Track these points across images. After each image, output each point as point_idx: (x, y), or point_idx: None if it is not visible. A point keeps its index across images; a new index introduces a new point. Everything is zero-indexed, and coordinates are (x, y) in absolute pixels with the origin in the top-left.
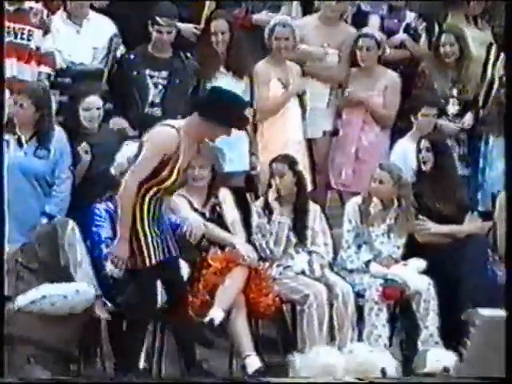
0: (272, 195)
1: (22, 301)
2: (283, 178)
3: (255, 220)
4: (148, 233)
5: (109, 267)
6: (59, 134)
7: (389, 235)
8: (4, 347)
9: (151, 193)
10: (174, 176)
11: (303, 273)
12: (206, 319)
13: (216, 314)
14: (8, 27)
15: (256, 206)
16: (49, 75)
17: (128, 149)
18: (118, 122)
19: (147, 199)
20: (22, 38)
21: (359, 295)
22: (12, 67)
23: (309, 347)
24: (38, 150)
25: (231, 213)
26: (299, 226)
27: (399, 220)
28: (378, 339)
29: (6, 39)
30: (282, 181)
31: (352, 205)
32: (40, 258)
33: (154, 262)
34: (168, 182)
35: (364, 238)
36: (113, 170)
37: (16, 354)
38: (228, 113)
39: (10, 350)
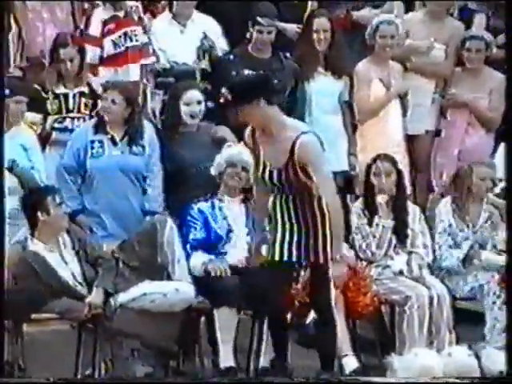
0: (380, 196)
1: (123, 298)
2: (389, 177)
3: (354, 221)
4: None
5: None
6: (149, 129)
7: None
8: (4, 347)
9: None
10: None
11: (401, 273)
12: (308, 320)
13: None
14: (120, 36)
15: (355, 207)
16: (151, 68)
17: (230, 149)
18: (222, 130)
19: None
20: (136, 40)
21: (459, 298)
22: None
23: (408, 349)
24: (132, 147)
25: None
26: (399, 227)
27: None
28: (501, 333)
29: (128, 44)
30: (388, 180)
31: (444, 204)
32: (139, 255)
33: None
34: None
35: (462, 235)
36: (212, 171)
37: (121, 347)
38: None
39: (115, 344)
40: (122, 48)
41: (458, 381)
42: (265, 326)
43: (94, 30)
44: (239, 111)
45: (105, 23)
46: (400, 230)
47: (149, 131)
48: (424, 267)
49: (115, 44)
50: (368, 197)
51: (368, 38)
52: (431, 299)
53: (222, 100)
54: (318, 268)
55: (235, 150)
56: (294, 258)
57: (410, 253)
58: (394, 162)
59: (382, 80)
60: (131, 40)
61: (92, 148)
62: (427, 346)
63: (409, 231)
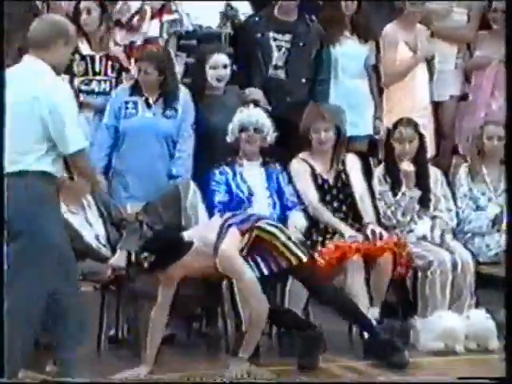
0: (405, 163)
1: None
2: (412, 143)
3: (376, 186)
4: None
5: None
6: (184, 94)
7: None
8: (4, 347)
9: None
10: None
11: (424, 238)
12: None
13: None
14: None
15: (378, 173)
16: (172, 22)
17: (239, 114)
18: (255, 93)
19: None
20: None
21: (482, 263)
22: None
23: (430, 313)
24: (166, 111)
25: (360, 186)
26: (422, 192)
27: None
28: None
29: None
30: (411, 146)
31: (463, 168)
32: (163, 218)
33: None
34: None
35: (484, 198)
36: (228, 138)
37: (143, 309)
38: None
39: (138, 306)
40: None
41: (458, 381)
42: (287, 288)
43: None
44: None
45: None
46: (423, 195)
47: (184, 96)
48: (448, 232)
49: None
50: (389, 163)
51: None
52: (454, 264)
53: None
54: None
55: (245, 114)
56: None
57: (433, 217)
58: (416, 127)
59: (409, 43)
60: None
61: (126, 108)
62: (448, 309)
63: (431, 196)
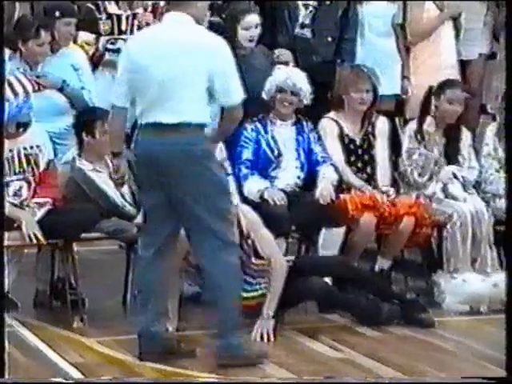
0: (432, 121)
1: None
2: (460, 105)
3: (405, 144)
4: None
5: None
6: None
7: None
8: (4, 347)
9: None
10: None
11: (433, 196)
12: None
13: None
14: None
15: (409, 130)
16: None
17: (278, 73)
18: (286, 54)
19: None
20: None
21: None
22: None
23: (453, 267)
24: None
25: (383, 151)
26: (451, 152)
27: None
28: None
29: None
30: (454, 109)
31: (491, 128)
32: None
33: None
34: None
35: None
36: (264, 95)
37: None
38: None
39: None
40: None
41: (458, 381)
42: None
43: None
44: None
45: None
46: (452, 155)
47: None
48: (468, 189)
49: None
50: (422, 122)
51: None
52: (472, 216)
53: None
54: None
55: (283, 75)
56: None
57: (455, 176)
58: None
59: (436, 1)
60: None
61: None
62: (471, 264)
63: (460, 157)
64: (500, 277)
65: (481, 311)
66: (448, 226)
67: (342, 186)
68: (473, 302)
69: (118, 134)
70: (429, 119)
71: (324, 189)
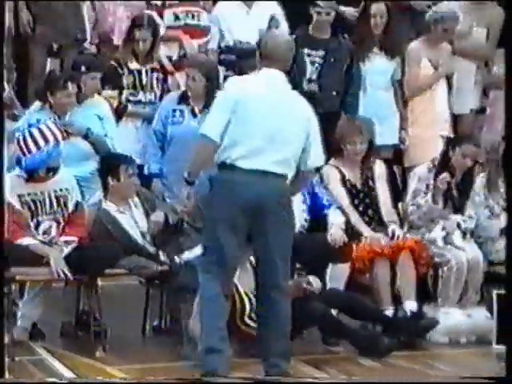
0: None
1: (188, 255)
2: (466, 160)
3: (413, 185)
4: None
5: None
6: None
7: None
8: (4, 347)
9: None
10: None
11: (434, 242)
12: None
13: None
14: (182, 11)
15: (417, 173)
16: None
17: None
18: None
19: None
20: (198, 20)
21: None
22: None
23: (440, 305)
24: None
25: (385, 191)
26: (460, 200)
27: None
28: None
29: (182, 22)
30: (465, 163)
31: (480, 179)
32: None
33: None
34: None
35: (498, 207)
36: None
37: (185, 301)
38: None
39: (181, 298)
40: (182, 22)
41: (458, 381)
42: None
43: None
44: None
45: None
46: (460, 203)
47: None
48: (466, 236)
49: (177, 17)
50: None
51: (429, 23)
52: (469, 263)
53: None
54: None
55: None
56: None
57: (458, 224)
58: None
59: (432, 60)
60: (193, 18)
61: (173, 116)
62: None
63: (466, 207)
64: (475, 309)
65: (460, 342)
66: (445, 269)
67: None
68: (452, 334)
69: (199, 162)
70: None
71: (335, 234)
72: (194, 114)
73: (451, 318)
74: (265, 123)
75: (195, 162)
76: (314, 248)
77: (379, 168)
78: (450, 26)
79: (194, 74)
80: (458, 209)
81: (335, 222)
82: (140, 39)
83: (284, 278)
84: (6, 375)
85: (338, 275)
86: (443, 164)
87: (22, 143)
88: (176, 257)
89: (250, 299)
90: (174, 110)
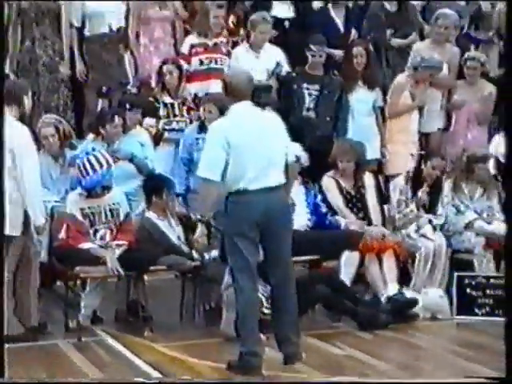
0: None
1: (215, 253)
2: (435, 171)
3: (396, 196)
4: None
5: None
6: None
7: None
8: (4, 347)
9: None
10: None
11: (409, 236)
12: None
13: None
14: (206, 58)
15: (396, 185)
16: None
17: None
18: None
19: None
20: (221, 64)
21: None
22: (210, 86)
23: (417, 284)
24: None
25: (371, 199)
26: (432, 203)
27: (490, 190)
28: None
29: (211, 65)
30: (434, 174)
31: (447, 184)
32: None
33: None
34: None
35: (463, 205)
36: None
37: (214, 291)
38: None
39: (210, 289)
40: (206, 67)
41: (458, 381)
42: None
43: (185, 49)
44: None
45: (192, 46)
46: (432, 205)
47: None
48: (436, 229)
49: (202, 63)
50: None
51: (411, 65)
52: (435, 250)
53: None
54: None
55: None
56: None
57: (430, 220)
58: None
59: (412, 93)
60: (216, 63)
61: (197, 144)
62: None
63: (437, 208)
64: (431, 289)
65: (439, 317)
66: (417, 256)
67: None
68: (432, 310)
69: (209, 203)
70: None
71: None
72: None
73: (430, 297)
74: (256, 150)
75: (206, 204)
76: (331, 240)
77: (368, 179)
78: (436, 72)
79: (210, 108)
80: (430, 208)
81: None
82: (167, 72)
83: (291, 270)
84: (6, 375)
85: (351, 261)
86: (417, 175)
87: (81, 168)
88: (206, 254)
89: (261, 293)
90: (197, 139)
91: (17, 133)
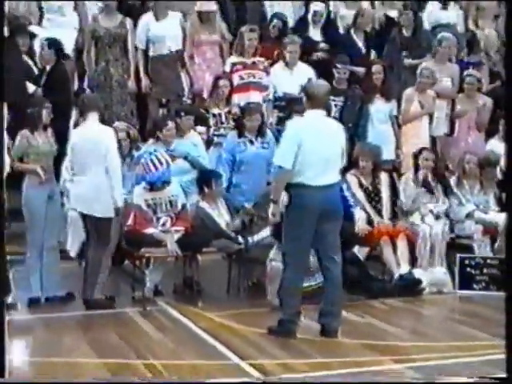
0: (424, 173)
1: (257, 237)
2: (429, 162)
3: (409, 190)
4: None
5: None
6: (270, 134)
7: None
8: (4, 347)
9: None
10: None
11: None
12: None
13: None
14: (248, 73)
15: (406, 179)
16: (268, 98)
17: None
18: None
19: None
20: (259, 79)
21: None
22: (250, 98)
23: (421, 263)
24: (263, 145)
25: (386, 194)
26: (437, 192)
27: (487, 187)
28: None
29: (250, 80)
30: (429, 163)
31: (453, 180)
32: (267, 210)
33: None
34: None
35: (465, 199)
36: None
37: (255, 270)
38: None
39: (252, 268)
40: (246, 81)
41: (459, 381)
42: None
43: (227, 67)
44: None
45: (233, 64)
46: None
47: (270, 135)
48: (439, 218)
49: (242, 78)
50: (422, 174)
51: (417, 77)
52: (430, 235)
53: None
54: None
55: None
56: None
57: (430, 210)
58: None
59: (421, 102)
60: (254, 77)
61: (239, 147)
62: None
63: (438, 197)
64: (436, 268)
65: (443, 291)
66: (419, 240)
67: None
68: (437, 285)
69: (281, 188)
70: (420, 172)
71: (361, 226)
72: (252, 143)
73: (436, 273)
74: (321, 150)
75: (278, 189)
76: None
77: (384, 177)
78: (428, 75)
79: (254, 116)
80: (432, 193)
81: (360, 218)
82: (223, 86)
83: (340, 255)
84: (7, 375)
85: (361, 253)
86: (415, 165)
87: (145, 166)
88: (249, 238)
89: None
90: (239, 143)
91: (106, 132)
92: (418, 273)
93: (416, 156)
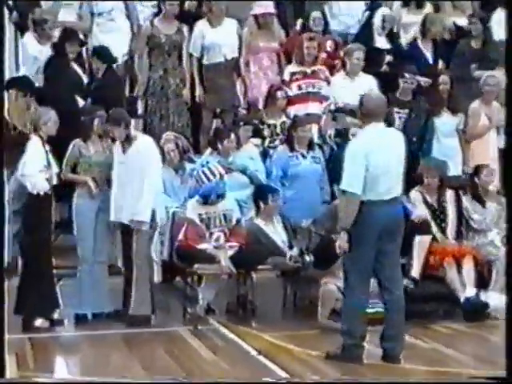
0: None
1: (313, 256)
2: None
3: (468, 205)
4: None
5: None
6: (319, 147)
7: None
8: (4, 346)
9: None
10: None
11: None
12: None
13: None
14: (304, 83)
15: (470, 200)
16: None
17: None
18: None
19: None
20: (319, 89)
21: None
22: (307, 108)
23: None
24: (315, 159)
25: (452, 213)
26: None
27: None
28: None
29: (309, 90)
30: (487, 182)
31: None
32: (325, 227)
33: None
34: None
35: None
36: None
37: (313, 288)
38: None
39: (310, 287)
40: (305, 91)
41: (458, 380)
42: None
43: (286, 76)
44: None
45: (293, 74)
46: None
47: (317, 149)
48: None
49: (300, 88)
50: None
51: (480, 86)
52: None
53: None
54: None
55: None
56: None
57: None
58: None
59: (487, 115)
60: (313, 87)
61: (292, 160)
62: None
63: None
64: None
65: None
66: (496, 263)
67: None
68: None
69: (352, 214)
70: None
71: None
72: (304, 156)
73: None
74: (387, 165)
75: (349, 215)
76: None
77: (450, 195)
78: (493, 84)
79: (305, 127)
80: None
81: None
82: (281, 97)
83: (401, 273)
84: (7, 375)
85: (421, 245)
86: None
87: (198, 178)
88: (306, 257)
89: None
90: (291, 156)
91: (146, 142)
92: (492, 296)
93: (472, 176)
